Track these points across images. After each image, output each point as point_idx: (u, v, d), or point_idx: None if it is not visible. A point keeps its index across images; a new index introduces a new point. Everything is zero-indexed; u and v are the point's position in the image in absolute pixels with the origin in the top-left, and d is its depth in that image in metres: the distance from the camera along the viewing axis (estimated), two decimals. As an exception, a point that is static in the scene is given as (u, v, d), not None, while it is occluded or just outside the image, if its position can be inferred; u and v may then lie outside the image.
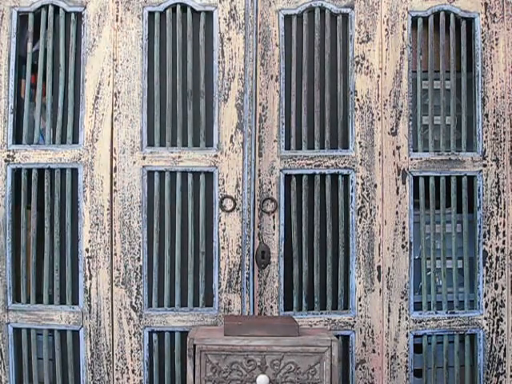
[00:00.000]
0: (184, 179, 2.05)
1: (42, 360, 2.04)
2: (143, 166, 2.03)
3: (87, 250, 2.02)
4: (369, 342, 2.05)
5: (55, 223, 2.04)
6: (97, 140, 2.03)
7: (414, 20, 2.09)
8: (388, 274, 2.06)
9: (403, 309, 2.06)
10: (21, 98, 2.09)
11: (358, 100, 2.06)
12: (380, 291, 2.06)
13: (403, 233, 2.06)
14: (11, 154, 2.02)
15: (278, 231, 2.04)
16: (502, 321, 2.08)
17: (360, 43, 2.06)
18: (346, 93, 2.08)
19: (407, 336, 2.06)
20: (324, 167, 2.05)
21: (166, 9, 2.05)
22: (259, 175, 2.04)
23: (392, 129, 2.07)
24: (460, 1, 2.08)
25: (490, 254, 2.08)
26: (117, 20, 2.03)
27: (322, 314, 2.05)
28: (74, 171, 2.04)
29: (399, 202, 2.06)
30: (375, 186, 2.06)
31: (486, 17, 2.07)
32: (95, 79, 2.03)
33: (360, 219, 2.05)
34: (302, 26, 2.08)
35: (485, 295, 2.07)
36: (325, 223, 2.07)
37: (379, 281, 2.06)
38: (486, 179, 2.08)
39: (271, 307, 2.04)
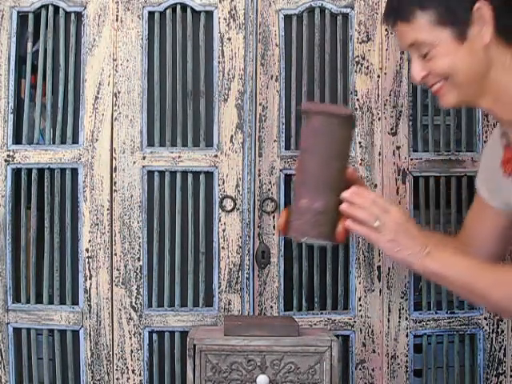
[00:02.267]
0: (184, 179, 2.05)
1: (42, 360, 2.04)
2: (143, 166, 2.03)
3: (87, 250, 2.02)
4: (369, 342, 2.05)
5: (55, 223, 2.04)
6: (97, 140, 2.03)
7: (414, 20, 2.09)
8: (388, 274, 2.06)
9: (403, 309, 2.06)
10: (21, 98, 2.09)
11: (357, 100, 2.06)
12: (380, 291, 2.06)
13: (403, 233, 2.06)
14: (11, 154, 2.02)
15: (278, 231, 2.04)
16: (502, 321, 2.08)
17: (360, 43, 2.06)
18: (346, 93, 2.08)
19: (407, 336, 2.06)
20: (324, 167, 2.05)
21: (166, 9, 2.05)
22: (259, 175, 2.04)
23: (392, 129, 2.07)
24: (460, 1, 2.07)
25: (490, 254, 2.08)
26: (117, 20, 2.03)
27: (321, 314, 2.05)
28: (74, 171, 2.04)
29: (399, 202, 2.06)
30: (375, 186, 2.06)
31: (486, 17, 2.07)
32: (95, 79, 2.03)
33: (360, 219, 2.05)
34: (302, 26, 2.08)
35: (485, 295, 2.07)
36: (325, 223, 2.06)
37: (379, 281, 2.06)
38: (486, 179, 2.08)
39: (271, 307, 2.04)
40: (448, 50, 1.53)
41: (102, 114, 2.03)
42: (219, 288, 2.03)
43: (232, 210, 2.02)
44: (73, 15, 2.05)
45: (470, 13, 1.51)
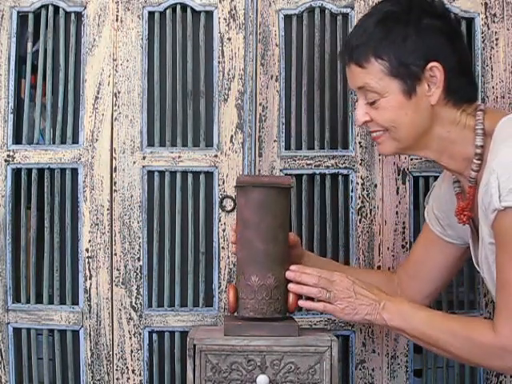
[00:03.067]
0: (184, 179, 2.05)
1: (42, 360, 2.04)
2: (143, 166, 2.03)
3: (87, 250, 2.02)
4: (369, 342, 2.05)
5: (55, 223, 2.04)
6: (97, 140, 2.03)
7: (414, 20, 2.09)
8: (388, 273, 2.06)
9: (403, 309, 2.06)
10: (21, 98, 2.09)
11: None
12: (380, 291, 2.06)
13: (403, 233, 2.06)
14: (11, 154, 2.02)
15: (278, 231, 2.04)
16: (501, 321, 2.08)
17: (360, 43, 2.06)
18: (345, 93, 2.08)
19: (407, 336, 2.06)
20: (324, 167, 2.05)
21: (166, 9, 2.05)
22: (259, 175, 2.04)
23: (392, 129, 2.06)
24: (460, 1, 2.07)
25: (489, 254, 2.08)
26: (117, 20, 2.03)
27: (321, 314, 2.05)
28: (74, 171, 2.04)
29: (399, 202, 2.06)
30: (375, 186, 2.06)
31: (486, 17, 2.07)
32: (95, 79, 2.03)
33: (360, 219, 2.05)
34: (302, 26, 2.08)
35: (485, 295, 2.07)
36: (325, 223, 2.06)
37: (379, 281, 2.05)
38: (486, 179, 2.07)
39: (271, 307, 2.03)
40: (395, 103, 1.54)
41: (102, 114, 2.03)
42: (219, 288, 2.03)
43: (232, 210, 2.02)
44: (73, 15, 2.05)
45: (422, 70, 1.52)
